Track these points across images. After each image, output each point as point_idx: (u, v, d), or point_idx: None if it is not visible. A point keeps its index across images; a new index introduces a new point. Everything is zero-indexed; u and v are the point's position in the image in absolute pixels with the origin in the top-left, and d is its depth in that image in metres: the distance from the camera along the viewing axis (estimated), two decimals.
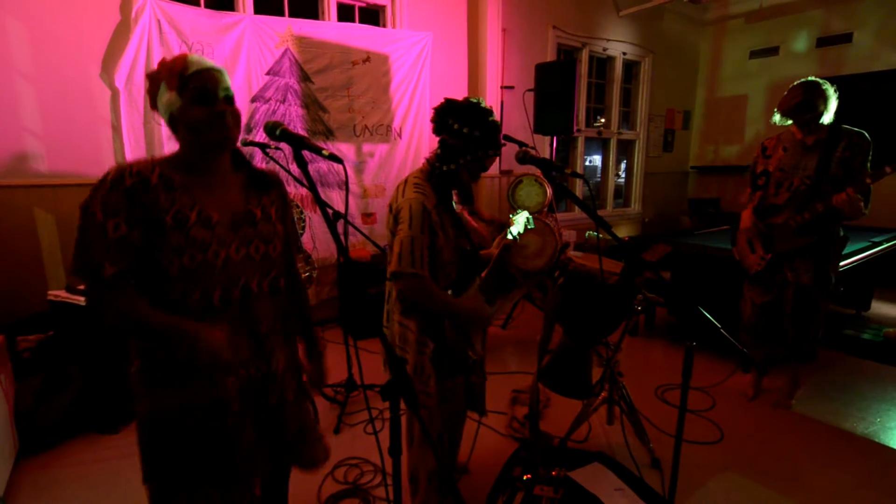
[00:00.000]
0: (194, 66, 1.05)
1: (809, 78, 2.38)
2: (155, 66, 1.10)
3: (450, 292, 1.54)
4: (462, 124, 1.45)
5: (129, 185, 1.00)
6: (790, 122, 2.45)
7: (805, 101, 2.34)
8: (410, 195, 1.44)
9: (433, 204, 1.45)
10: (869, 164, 2.34)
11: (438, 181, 1.51)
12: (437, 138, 1.54)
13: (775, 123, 2.50)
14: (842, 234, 2.49)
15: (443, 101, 1.51)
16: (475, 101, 1.48)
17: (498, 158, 4.60)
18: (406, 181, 1.51)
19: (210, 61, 1.08)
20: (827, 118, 2.37)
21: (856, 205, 2.26)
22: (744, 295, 2.73)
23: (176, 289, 1.05)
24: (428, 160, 1.55)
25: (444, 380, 1.55)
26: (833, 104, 2.36)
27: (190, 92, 1.04)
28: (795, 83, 2.40)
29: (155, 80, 1.07)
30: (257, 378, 1.17)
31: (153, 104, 1.09)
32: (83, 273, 1.00)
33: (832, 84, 2.38)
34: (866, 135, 2.35)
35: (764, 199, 2.57)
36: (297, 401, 1.30)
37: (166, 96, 1.05)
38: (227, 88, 1.09)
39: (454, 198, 1.63)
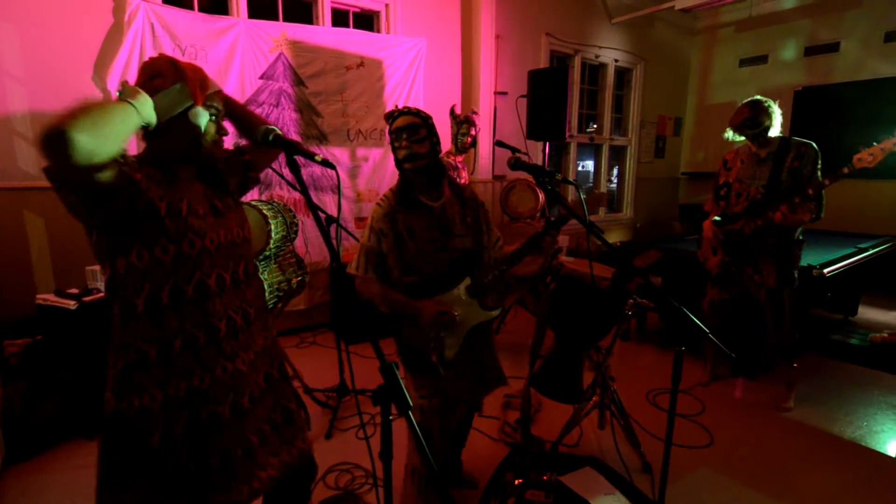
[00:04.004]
0: (212, 87, 1.14)
1: (755, 97, 2.58)
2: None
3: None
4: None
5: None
6: (741, 137, 2.65)
7: (750, 118, 2.54)
8: (373, 207, 1.67)
9: (385, 212, 1.63)
10: (819, 171, 2.52)
11: (399, 185, 1.69)
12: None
13: (728, 139, 2.70)
14: (800, 238, 2.66)
15: None
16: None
17: (492, 164, 4.66)
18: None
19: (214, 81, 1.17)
20: (774, 132, 2.56)
21: (790, 219, 2.49)
22: (706, 293, 2.94)
23: (173, 273, 1.07)
24: None
25: (415, 377, 1.67)
26: (777, 119, 2.56)
27: (210, 109, 1.13)
28: (742, 102, 2.61)
29: (168, 79, 1.06)
30: (255, 362, 1.20)
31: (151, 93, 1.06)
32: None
33: (775, 101, 2.59)
34: (814, 144, 2.53)
35: (727, 209, 2.77)
36: (274, 386, 1.29)
37: (196, 111, 1.09)
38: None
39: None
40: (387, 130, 1.67)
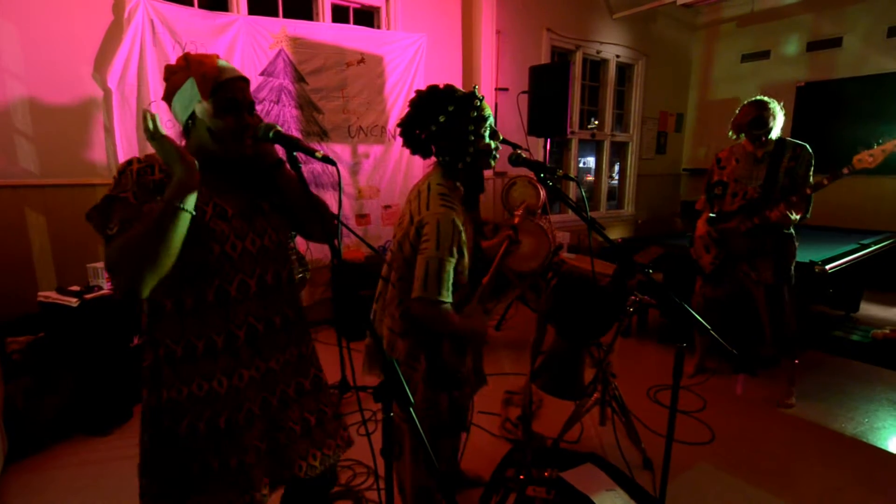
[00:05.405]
0: (227, 74, 1.07)
1: (759, 97, 2.59)
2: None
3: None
4: (438, 109, 1.32)
5: (136, 168, 1.04)
6: (743, 135, 2.66)
7: (758, 118, 2.55)
8: (438, 209, 1.29)
9: (463, 219, 1.32)
10: (811, 172, 2.54)
11: (463, 180, 1.40)
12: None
13: (731, 138, 2.72)
14: (791, 233, 2.68)
15: (406, 114, 1.40)
16: (433, 88, 1.38)
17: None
18: (429, 189, 1.36)
19: (237, 69, 1.11)
20: (775, 133, 2.57)
21: (786, 219, 2.50)
22: (696, 290, 2.96)
23: (195, 279, 1.06)
24: (438, 162, 1.42)
25: (428, 393, 1.48)
26: (780, 120, 2.56)
27: (219, 101, 1.06)
28: (747, 102, 2.62)
29: (180, 75, 1.06)
30: (276, 371, 1.18)
31: (167, 97, 1.09)
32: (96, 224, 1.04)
33: (780, 103, 2.60)
34: (808, 147, 2.56)
35: (721, 207, 2.77)
36: (306, 396, 1.26)
37: (200, 106, 1.05)
38: (251, 98, 1.13)
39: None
40: (453, 109, 1.32)
